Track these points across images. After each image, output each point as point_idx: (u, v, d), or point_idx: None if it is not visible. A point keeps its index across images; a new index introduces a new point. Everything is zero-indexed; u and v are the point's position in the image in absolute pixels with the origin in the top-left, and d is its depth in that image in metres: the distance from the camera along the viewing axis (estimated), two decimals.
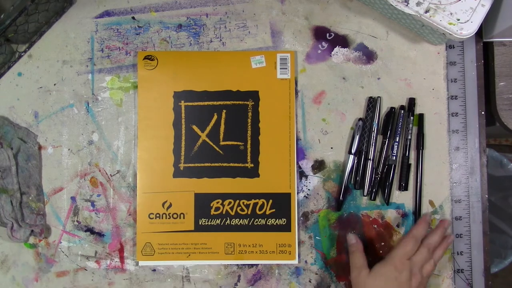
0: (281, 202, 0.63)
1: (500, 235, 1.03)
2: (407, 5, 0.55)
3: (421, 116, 0.63)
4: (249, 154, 0.63)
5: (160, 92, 0.63)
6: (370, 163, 0.62)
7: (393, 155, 0.62)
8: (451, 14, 0.55)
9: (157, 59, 0.64)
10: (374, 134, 0.62)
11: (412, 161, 0.63)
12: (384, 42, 0.64)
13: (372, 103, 0.63)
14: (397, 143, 0.62)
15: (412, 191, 0.63)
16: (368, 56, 0.64)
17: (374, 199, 0.63)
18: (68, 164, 0.63)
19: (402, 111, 0.62)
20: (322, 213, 0.63)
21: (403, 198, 0.63)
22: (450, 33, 0.55)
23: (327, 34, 0.64)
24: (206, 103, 0.64)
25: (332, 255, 0.63)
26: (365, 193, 0.63)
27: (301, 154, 0.63)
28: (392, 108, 0.63)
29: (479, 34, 0.64)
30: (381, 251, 0.63)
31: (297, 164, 0.63)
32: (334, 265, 0.63)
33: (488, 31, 0.63)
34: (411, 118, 0.62)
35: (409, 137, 0.62)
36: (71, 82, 0.64)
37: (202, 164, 0.63)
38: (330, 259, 0.63)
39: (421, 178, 0.63)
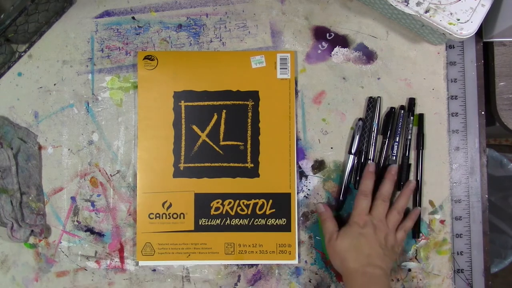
0: (281, 202, 0.63)
1: (500, 235, 1.03)
2: (407, 5, 0.55)
3: (421, 116, 0.63)
4: (249, 154, 0.63)
5: (160, 92, 0.63)
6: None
7: (393, 155, 0.62)
8: (451, 14, 0.55)
9: (157, 59, 0.64)
10: (374, 134, 0.62)
11: (412, 161, 0.63)
12: (384, 42, 0.64)
13: (372, 103, 0.63)
14: (397, 143, 0.62)
15: None
16: (368, 56, 0.64)
17: None
18: (68, 164, 0.63)
19: (402, 111, 0.62)
20: None
21: None
22: (450, 33, 0.55)
23: (327, 34, 0.64)
24: (206, 103, 0.64)
25: None
26: None
27: (301, 154, 0.63)
28: (392, 108, 0.63)
29: (479, 34, 0.64)
30: None
31: (297, 164, 0.63)
32: None
33: (488, 31, 0.63)
34: (411, 118, 0.62)
35: (409, 137, 0.62)
36: (71, 82, 0.64)
37: (202, 164, 0.63)
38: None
39: (421, 178, 0.63)
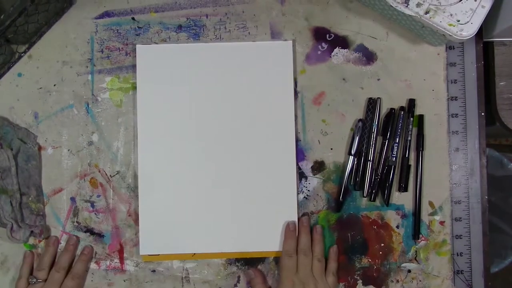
0: None
1: (500, 235, 1.03)
2: (407, 6, 0.55)
3: (421, 117, 0.63)
4: None
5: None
6: (370, 164, 0.62)
7: (393, 156, 0.62)
8: (451, 15, 0.54)
9: None
10: (374, 135, 0.62)
11: (412, 162, 0.63)
12: (384, 43, 0.64)
13: (372, 104, 0.63)
14: (397, 144, 0.62)
15: (412, 192, 0.63)
16: (368, 57, 0.64)
17: (374, 200, 0.63)
18: (68, 165, 0.63)
19: (402, 112, 0.62)
20: (322, 214, 0.63)
21: (403, 199, 0.63)
22: (450, 34, 0.55)
23: (327, 35, 0.64)
24: None
25: None
26: (365, 194, 0.63)
27: (301, 155, 0.63)
28: (392, 109, 0.63)
29: (479, 34, 0.64)
30: (380, 252, 0.63)
31: (297, 165, 0.63)
32: None
33: (488, 31, 0.63)
34: (411, 119, 0.62)
35: (409, 138, 0.62)
36: (71, 83, 0.64)
37: None
38: None
39: (421, 179, 0.62)
